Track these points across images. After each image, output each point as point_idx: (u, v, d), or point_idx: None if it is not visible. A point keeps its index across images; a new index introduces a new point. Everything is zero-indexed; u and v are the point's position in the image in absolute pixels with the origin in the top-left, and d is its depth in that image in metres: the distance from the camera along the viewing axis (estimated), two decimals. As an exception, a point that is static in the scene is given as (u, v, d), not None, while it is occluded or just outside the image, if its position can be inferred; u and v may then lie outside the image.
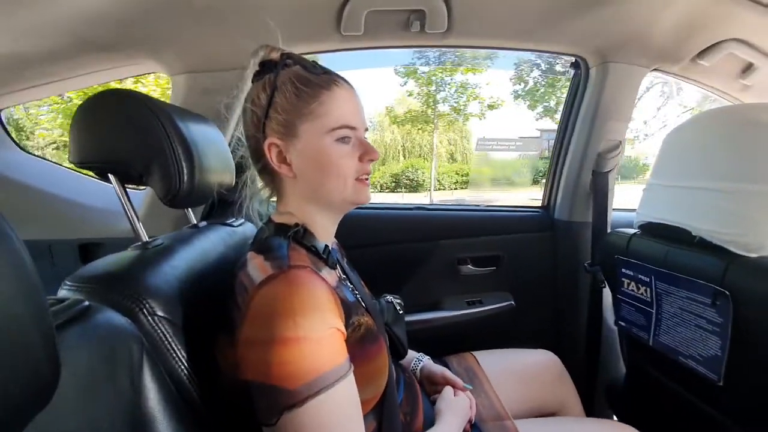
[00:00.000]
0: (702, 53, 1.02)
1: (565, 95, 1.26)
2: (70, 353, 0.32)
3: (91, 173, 1.27)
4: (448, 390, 0.73)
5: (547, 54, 1.11)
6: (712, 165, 0.69)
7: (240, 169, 0.76)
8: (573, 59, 1.14)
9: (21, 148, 1.23)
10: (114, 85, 1.22)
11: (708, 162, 0.69)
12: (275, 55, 0.57)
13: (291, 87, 0.55)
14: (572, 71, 1.20)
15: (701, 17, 0.91)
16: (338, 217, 0.63)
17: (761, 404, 0.65)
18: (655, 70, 1.10)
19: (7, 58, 0.96)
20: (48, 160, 1.26)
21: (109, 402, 0.34)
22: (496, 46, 1.06)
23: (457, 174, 12.18)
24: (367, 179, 0.58)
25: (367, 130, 0.60)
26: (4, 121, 1.19)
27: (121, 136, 0.56)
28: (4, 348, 0.21)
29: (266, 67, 0.57)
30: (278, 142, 0.56)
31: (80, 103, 0.57)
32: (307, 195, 0.58)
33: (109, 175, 0.58)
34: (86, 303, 0.38)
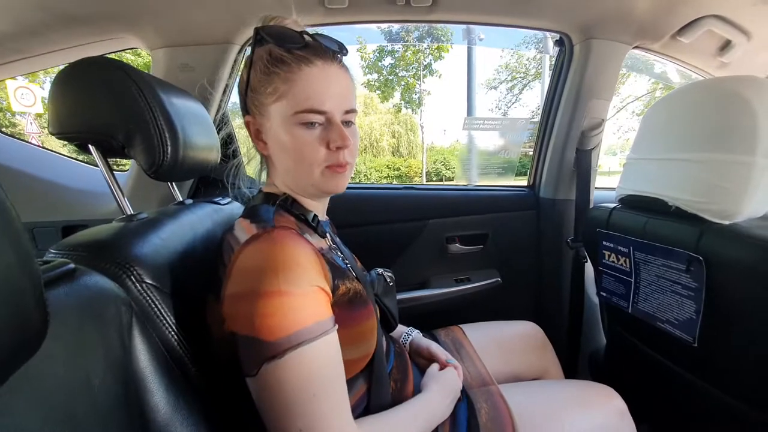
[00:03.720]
0: (682, 30, 1.04)
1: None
2: (58, 310, 0.32)
3: (73, 155, 1.25)
4: (433, 366, 0.74)
5: (534, 30, 1.11)
6: (687, 137, 0.70)
7: (226, 146, 0.75)
8: (558, 37, 1.15)
9: (1, 131, 1.19)
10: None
11: (683, 134, 0.71)
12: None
13: (261, 65, 0.53)
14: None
15: None
16: (321, 198, 0.62)
17: (732, 363, 0.68)
18: (636, 47, 1.11)
19: None
20: (29, 142, 1.22)
21: (99, 358, 0.35)
22: (481, 22, 1.06)
23: (388, 168, 11.55)
24: (340, 168, 0.54)
25: (350, 112, 0.55)
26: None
27: (101, 105, 0.54)
28: None
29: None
30: (253, 120, 0.56)
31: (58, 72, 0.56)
32: (284, 175, 0.58)
33: (90, 146, 0.57)
34: (72, 265, 0.38)
